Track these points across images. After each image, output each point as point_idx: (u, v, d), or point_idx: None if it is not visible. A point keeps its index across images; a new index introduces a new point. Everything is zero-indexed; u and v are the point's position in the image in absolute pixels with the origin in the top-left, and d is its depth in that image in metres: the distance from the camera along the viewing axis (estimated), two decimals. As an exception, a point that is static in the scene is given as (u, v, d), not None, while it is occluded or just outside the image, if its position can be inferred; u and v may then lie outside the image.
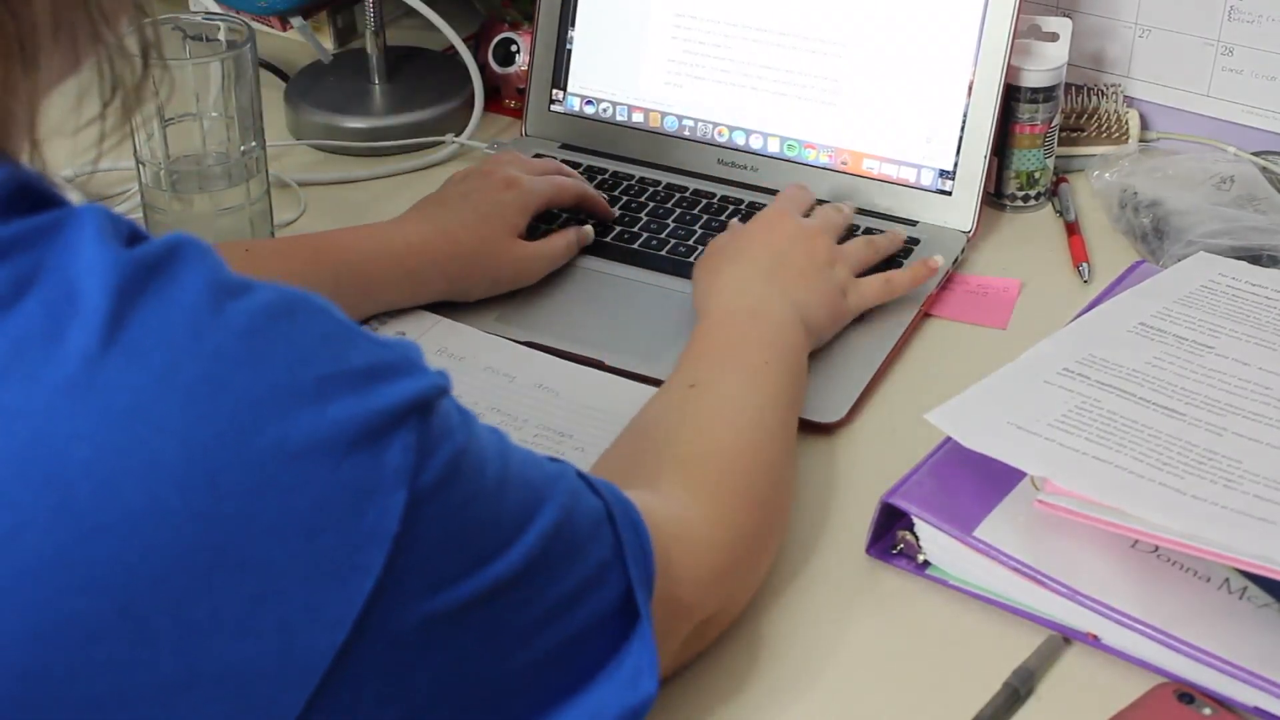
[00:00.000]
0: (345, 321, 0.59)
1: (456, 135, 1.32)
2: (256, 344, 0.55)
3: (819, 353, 1.03)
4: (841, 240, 1.08)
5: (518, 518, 0.63)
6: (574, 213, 1.17)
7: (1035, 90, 1.19)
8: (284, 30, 1.40)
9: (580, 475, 0.70)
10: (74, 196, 1.10)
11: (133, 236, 0.57)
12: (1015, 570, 0.83)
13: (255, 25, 1.23)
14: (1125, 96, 1.30)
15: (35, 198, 0.56)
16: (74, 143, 0.60)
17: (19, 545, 0.52)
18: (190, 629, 0.54)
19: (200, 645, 0.54)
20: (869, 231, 1.15)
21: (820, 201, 1.13)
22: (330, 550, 0.56)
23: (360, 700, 0.58)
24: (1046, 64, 1.19)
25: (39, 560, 0.52)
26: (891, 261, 1.11)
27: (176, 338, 0.54)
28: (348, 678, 0.57)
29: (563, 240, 1.11)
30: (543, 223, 1.14)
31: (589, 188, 1.18)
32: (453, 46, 1.36)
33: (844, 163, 1.20)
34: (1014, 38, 1.14)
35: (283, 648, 0.55)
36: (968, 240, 1.16)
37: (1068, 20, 1.21)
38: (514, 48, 1.38)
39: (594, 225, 1.16)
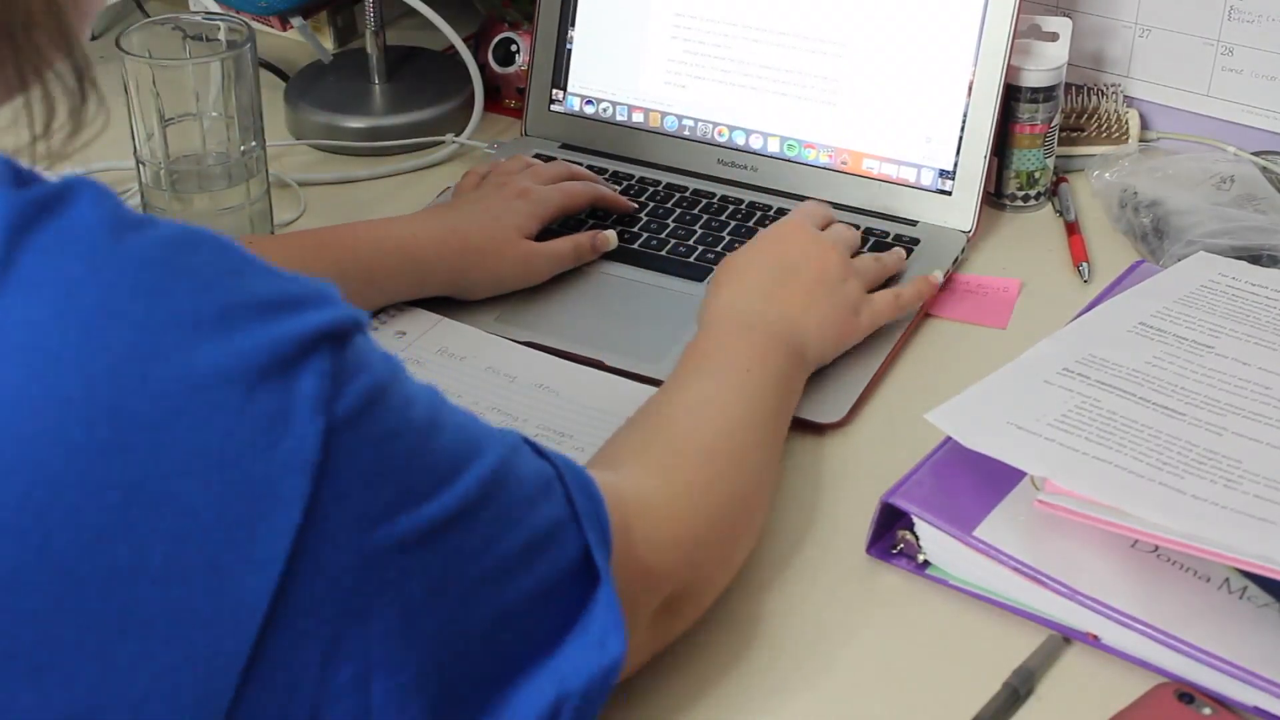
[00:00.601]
0: (252, 257, 0.58)
1: (456, 135, 1.32)
2: (157, 274, 0.54)
3: (819, 353, 1.03)
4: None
5: (453, 459, 0.62)
6: (599, 215, 1.18)
7: (1035, 90, 1.19)
8: (284, 30, 1.40)
9: (527, 441, 0.69)
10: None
11: (31, 179, 0.55)
12: (1015, 570, 0.83)
13: (255, 25, 1.23)
14: (1125, 96, 1.30)
15: None
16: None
17: None
18: (114, 571, 0.53)
19: (128, 589, 0.53)
20: (869, 231, 1.15)
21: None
22: (247, 481, 0.55)
23: (308, 652, 0.57)
24: (1046, 64, 1.19)
25: None
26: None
27: (71, 269, 0.53)
28: (290, 623, 0.56)
29: (569, 243, 1.11)
30: (566, 229, 1.14)
31: (602, 188, 1.18)
32: (453, 46, 1.36)
33: (844, 163, 1.20)
34: (1014, 38, 1.14)
35: (214, 589, 0.54)
36: (968, 240, 1.16)
37: (1068, 20, 1.21)
38: (514, 48, 1.38)
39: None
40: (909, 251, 1.13)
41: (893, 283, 1.10)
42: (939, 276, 1.09)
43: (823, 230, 1.07)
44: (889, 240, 1.15)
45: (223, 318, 0.55)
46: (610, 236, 1.14)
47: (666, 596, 0.77)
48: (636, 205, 1.19)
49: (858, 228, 1.14)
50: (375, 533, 0.58)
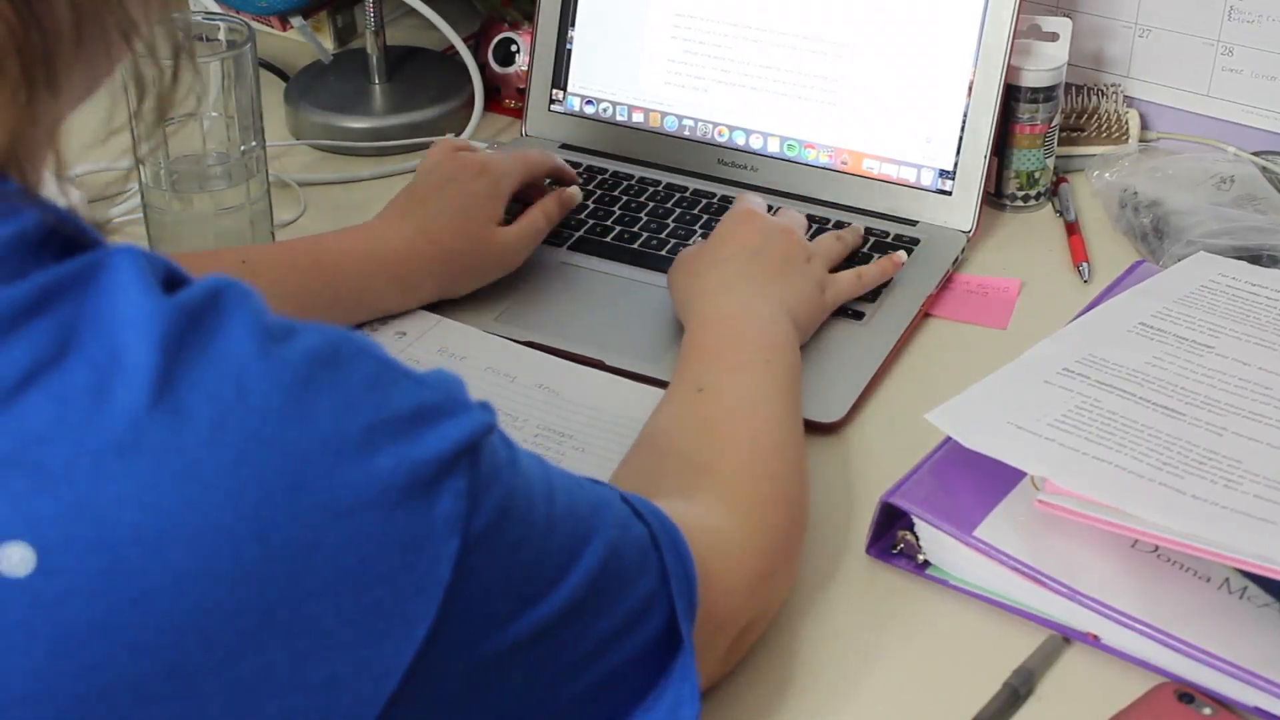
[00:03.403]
0: (387, 361, 0.58)
1: (456, 135, 1.32)
2: (303, 397, 0.54)
3: (819, 353, 1.03)
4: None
5: (566, 553, 0.63)
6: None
7: (1035, 90, 1.19)
8: (284, 30, 1.40)
9: (624, 499, 0.69)
10: (75, 194, 1.10)
11: (170, 278, 0.55)
12: (1015, 570, 0.83)
13: (255, 25, 1.23)
14: (1125, 96, 1.30)
15: (66, 240, 0.55)
16: (84, 143, 0.59)
17: (67, 610, 0.51)
18: (238, 687, 0.53)
19: (248, 702, 0.54)
20: (869, 231, 1.15)
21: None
22: (381, 604, 0.55)
23: None
24: (1046, 64, 1.19)
25: (87, 625, 0.51)
26: (863, 257, 1.12)
27: (223, 394, 0.53)
28: None
29: (540, 213, 1.11)
30: (516, 203, 1.13)
31: (557, 159, 1.17)
32: (453, 46, 1.36)
33: (844, 163, 1.20)
34: (1014, 38, 1.14)
35: (330, 701, 0.55)
36: (968, 240, 1.16)
37: (1068, 20, 1.21)
38: (514, 48, 1.38)
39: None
40: (909, 251, 1.13)
41: (856, 260, 1.11)
42: (903, 256, 1.10)
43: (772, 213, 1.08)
44: (889, 240, 1.15)
45: (365, 439, 0.55)
46: (575, 192, 1.14)
47: (740, 629, 0.78)
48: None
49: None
50: (490, 640, 0.60)
